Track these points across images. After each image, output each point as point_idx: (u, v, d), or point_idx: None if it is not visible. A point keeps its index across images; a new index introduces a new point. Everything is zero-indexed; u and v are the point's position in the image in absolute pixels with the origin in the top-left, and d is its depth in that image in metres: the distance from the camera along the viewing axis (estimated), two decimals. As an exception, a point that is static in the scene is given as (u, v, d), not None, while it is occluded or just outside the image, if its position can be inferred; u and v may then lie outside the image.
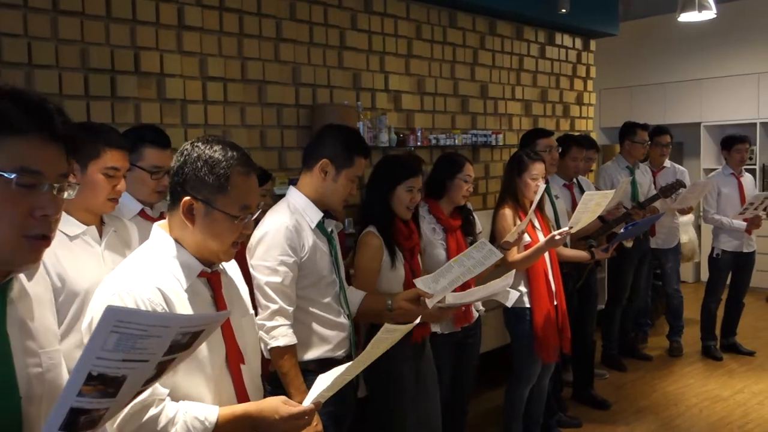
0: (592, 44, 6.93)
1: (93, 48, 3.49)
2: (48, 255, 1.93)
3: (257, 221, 2.42)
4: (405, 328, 1.69)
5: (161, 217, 2.67)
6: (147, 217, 2.51)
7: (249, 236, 1.65)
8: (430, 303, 2.61)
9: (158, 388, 1.46)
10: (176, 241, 1.58)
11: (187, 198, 1.54)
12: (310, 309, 2.37)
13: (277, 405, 1.54)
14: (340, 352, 2.43)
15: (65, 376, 1.27)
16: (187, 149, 1.58)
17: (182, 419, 1.47)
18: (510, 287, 2.89)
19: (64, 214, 2.03)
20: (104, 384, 1.09)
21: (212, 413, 1.49)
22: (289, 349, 2.26)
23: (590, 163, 4.61)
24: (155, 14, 3.73)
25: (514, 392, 3.65)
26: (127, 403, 1.23)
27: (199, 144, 1.58)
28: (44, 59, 3.32)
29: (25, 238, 1.13)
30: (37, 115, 1.13)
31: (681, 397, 4.68)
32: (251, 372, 1.69)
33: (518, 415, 3.67)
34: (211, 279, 1.62)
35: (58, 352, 1.26)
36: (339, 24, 4.65)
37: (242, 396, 1.63)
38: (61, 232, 2.03)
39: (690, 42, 7.97)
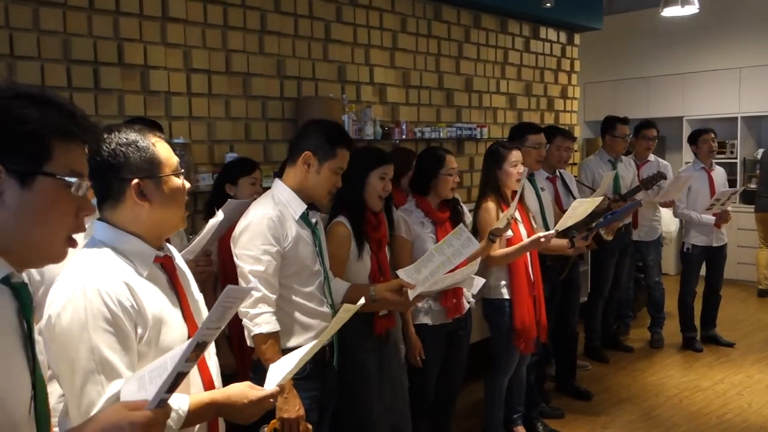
0: (577, 38, 6.96)
1: (75, 39, 3.47)
2: None
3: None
4: (356, 307, 1.79)
5: None
6: None
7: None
8: (412, 294, 2.63)
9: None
10: (126, 231, 1.58)
11: (135, 181, 1.55)
12: (293, 298, 2.41)
13: (244, 390, 1.56)
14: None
15: None
16: (103, 147, 1.57)
17: None
18: (476, 275, 2.93)
19: None
20: (201, 350, 1.26)
21: (184, 402, 1.50)
22: (272, 336, 2.30)
23: (569, 153, 4.64)
24: (139, 5, 3.71)
25: (494, 382, 3.69)
26: None
27: (110, 136, 1.58)
28: (26, 50, 3.30)
29: (67, 238, 1.22)
30: (76, 122, 1.20)
31: (661, 387, 4.74)
32: (209, 350, 1.71)
33: (499, 404, 3.72)
34: (164, 263, 1.65)
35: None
36: (324, 16, 4.65)
37: (205, 374, 1.65)
38: None
39: (673, 36, 8.03)
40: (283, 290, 2.39)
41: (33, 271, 1.94)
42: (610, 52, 8.48)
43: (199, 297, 1.77)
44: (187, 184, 1.67)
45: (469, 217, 3.53)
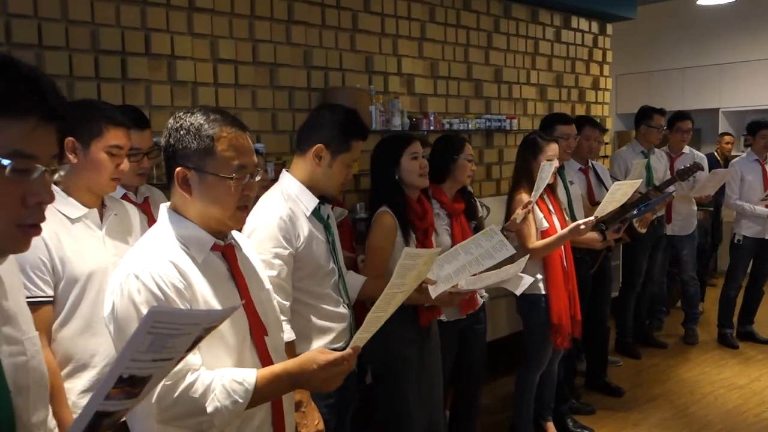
0: (609, 28, 6.82)
1: (103, 29, 3.47)
2: (51, 238, 1.93)
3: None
4: (431, 252, 1.71)
5: (145, 201, 2.64)
6: (131, 201, 2.44)
7: (254, 199, 1.62)
8: (433, 291, 2.51)
9: (191, 359, 1.44)
10: (184, 217, 1.57)
11: (179, 169, 1.53)
12: (308, 301, 2.27)
13: (314, 355, 1.50)
14: (341, 343, 2.30)
15: (44, 362, 1.22)
16: (170, 123, 1.57)
17: (220, 384, 1.45)
18: (522, 273, 2.84)
19: (65, 195, 2.02)
20: (131, 385, 1.08)
21: (251, 374, 1.47)
22: (288, 346, 2.14)
23: (599, 144, 4.54)
24: (166, -5, 3.70)
25: (525, 378, 3.63)
26: (143, 397, 1.19)
27: (181, 115, 1.58)
28: (54, 40, 3.31)
29: (18, 227, 1.04)
30: (31, 92, 1.01)
31: (696, 384, 4.62)
32: (275, 344, 1.67)
33: (530, 400, 3.66)
34: (225, 253, 1.61)
35: (37, 337, 1.20)
36: (351, 6, 4.60)
37: (268, 365, 1.60)
38: (62, 214, 1.99)
39: (710, 26, 7.83)
40: (297, 294, 2.23)
41: (57, 262, 1.92)
42: (643, 42, 8.30)
43: (266, 290, 1.72)
44: (251, 192, 1.58)
45: (481, 212, 3.45)
